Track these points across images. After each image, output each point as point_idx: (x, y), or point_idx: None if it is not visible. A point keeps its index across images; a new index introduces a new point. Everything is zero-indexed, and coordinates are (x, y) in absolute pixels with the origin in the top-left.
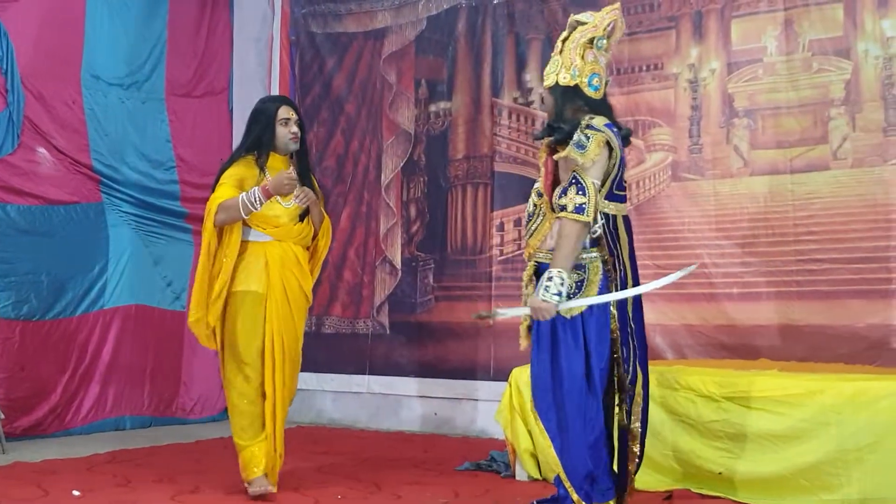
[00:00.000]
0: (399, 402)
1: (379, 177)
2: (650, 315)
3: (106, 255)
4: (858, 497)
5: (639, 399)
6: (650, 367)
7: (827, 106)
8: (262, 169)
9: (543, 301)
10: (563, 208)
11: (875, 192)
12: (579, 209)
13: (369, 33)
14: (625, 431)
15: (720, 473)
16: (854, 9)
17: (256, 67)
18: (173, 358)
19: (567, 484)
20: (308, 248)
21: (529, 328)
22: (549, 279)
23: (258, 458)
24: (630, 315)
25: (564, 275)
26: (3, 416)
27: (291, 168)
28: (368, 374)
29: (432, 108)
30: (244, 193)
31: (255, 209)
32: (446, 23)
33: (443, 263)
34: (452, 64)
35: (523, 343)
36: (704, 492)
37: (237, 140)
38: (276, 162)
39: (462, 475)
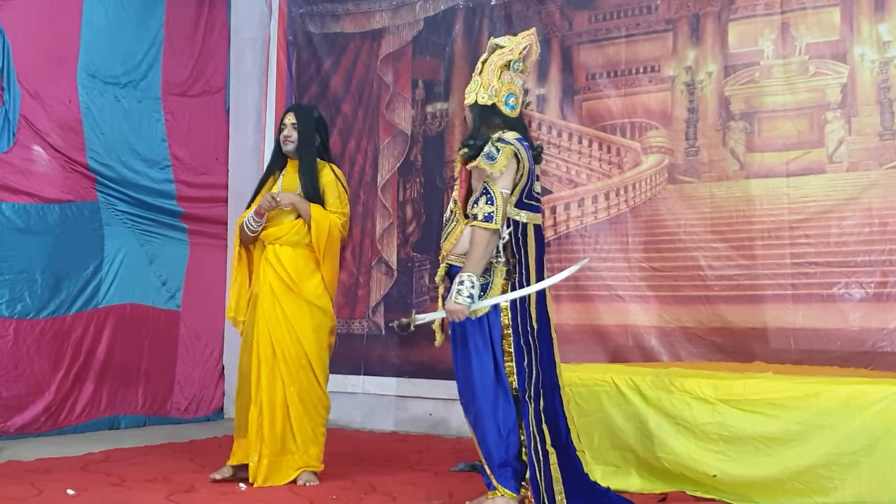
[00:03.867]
0: (394, 402)
1: (375, 177)
2: (646, 316)
3: (101, 254)
4: (853, 500)
5: (542, 401)
6: (642, 368)
7: (823, 109)
8: (276, 176)
9: (456, 304)
10: (475, 217)
11: (870, 195)
12: (488, 217)
13: (366, 34)
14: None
15: (715, 476)
16: (851, 13)
17: (253, 67)
18: (168, 357)
19: (489, 471)
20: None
21: (441, 325)
22: (461, 283)
23: (237, 451)
24: (534, 316)
25: (474, 278)
26: None
27: (276, 191)
28: (363, 374)
29: (429, 108)
30: (246, 216)
31: (254, 227)
32: (443, 24)
33: (438, 264)
34: (449, 65)
35: (438, 339)
36: (699, 494)
37: (233, 140)
38: (291, 166)
39: (457, 476)
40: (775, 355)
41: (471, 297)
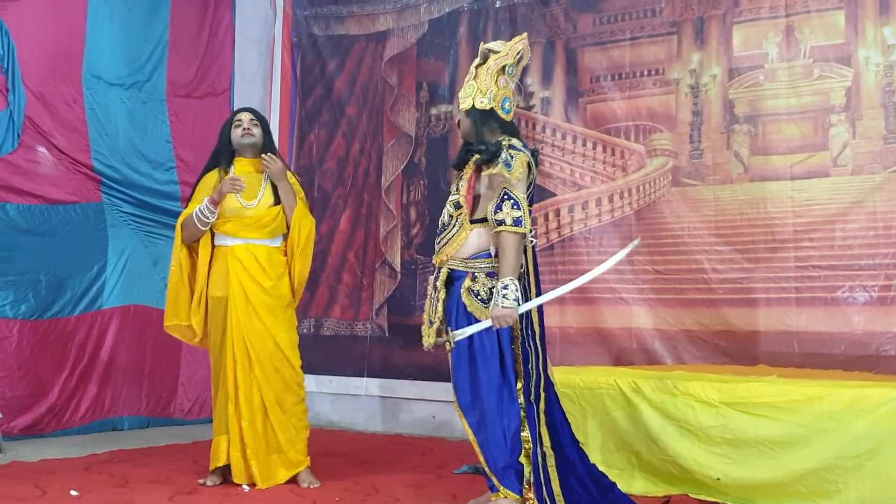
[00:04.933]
0: (397, 404)
1: (379, 179)
2: (650, 319)
3: (105, 255)
4: None
5: (542, 402)
6: (645, 371)
7: (827, 113)
8: (227, 172)
9: (504, 308)
10: (502, 223)
11: (875, 199)
12: (517, 222)
13: (371, 36)
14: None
15: (718, 479)
16: (855, 16)
17: (258, 69)
18: (171, 358)
19: (491, 475)
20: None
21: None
22: (505, 287)
23: (216, 452)
24: (535, 320)
25: (517, 282)
26: (1, 416)
27: (233, 172)
28: (367, 376)
29: (433, 111)
30: (196, 207)
31: (208, 219)
32: (448, 26)
33: None
34: (454, 67)
35: (448, 344)
36: (702, 497)
37: None
38: (243, 165)
39: (460, 478)
40: (779, 358)
41: (517, 300)
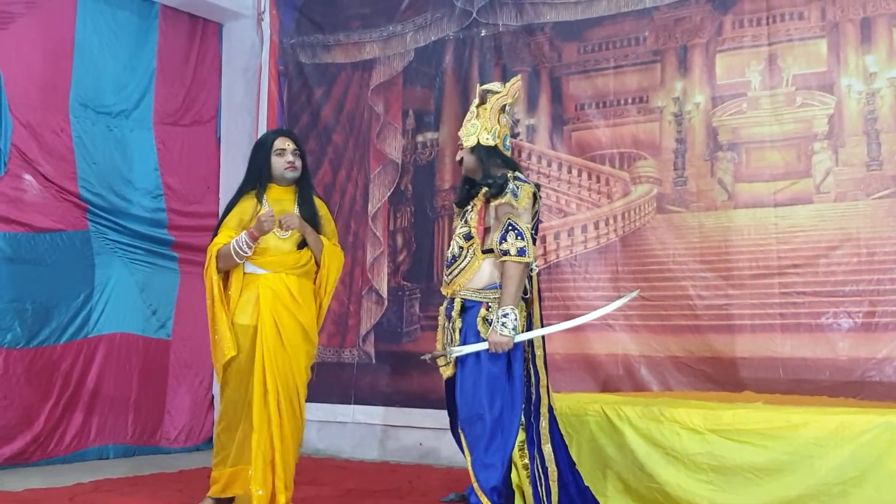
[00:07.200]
0: (384, 432)
1: (366, 206)
2: (636, 346)
3: (91, 283)
4: None
5: (544, 421)
6: (631, 398)
7: (810, 140)
8: (260, 201)
9: (502, 336)
10: (507, 252)
11: (858, 226)
12: (521, 252)
13: (357, 64)
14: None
15: None
16: (837, 44)
17: (244, 97)
18: (157, 387)
19: (478, 492)
20: (315, 280)
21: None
22: (505, 315)
23: (227, 482)
24: (538, 343)
25: (517, 311)
26: None
27: (269, 208)
28: (354, 403)
29: (419, 138)
30: (234, 240)
31: (246, 253)
32: (434, 54)
33: (429, 293)
34: (440, 95)
35: (449, 371)
36: None
37: (224, 169)
38: (277, 193)
39: None
40: (764, 385)
41: (514, 328)
